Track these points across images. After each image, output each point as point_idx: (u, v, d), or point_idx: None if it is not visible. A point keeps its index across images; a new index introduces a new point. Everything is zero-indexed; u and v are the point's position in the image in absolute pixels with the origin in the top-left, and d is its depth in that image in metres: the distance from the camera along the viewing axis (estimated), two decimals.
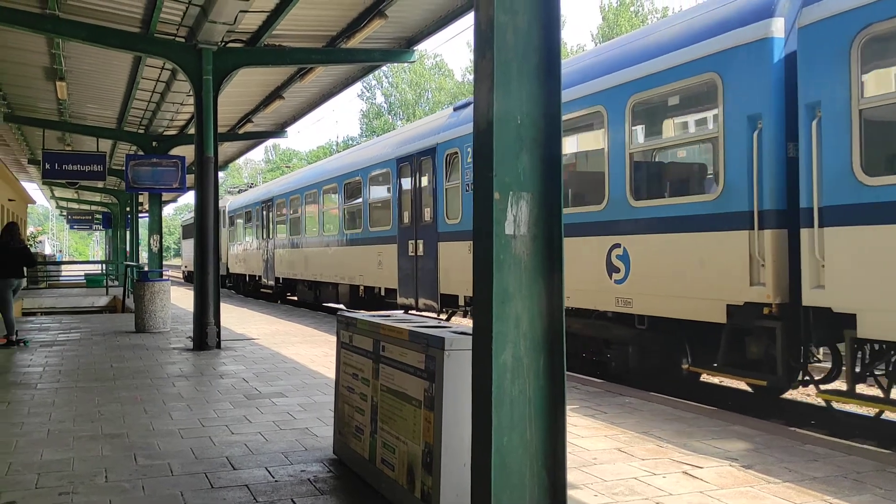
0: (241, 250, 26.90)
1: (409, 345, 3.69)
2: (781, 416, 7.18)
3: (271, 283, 22.65)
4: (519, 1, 2.91)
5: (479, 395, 2.93)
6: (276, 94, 14.92)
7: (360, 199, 15.35)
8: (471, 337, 3.35)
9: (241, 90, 14.62)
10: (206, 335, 10.40)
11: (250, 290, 25.96)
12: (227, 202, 29.19)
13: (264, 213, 23.28)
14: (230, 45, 11.00)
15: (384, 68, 62.11)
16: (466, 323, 11.09)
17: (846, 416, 7.04)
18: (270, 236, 22.59)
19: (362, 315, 4.64)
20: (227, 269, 28.44)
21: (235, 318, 15.52)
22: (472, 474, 2.97)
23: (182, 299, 20.06)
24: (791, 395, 8.24)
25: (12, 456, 4.87)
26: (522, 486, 2.88)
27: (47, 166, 17.67)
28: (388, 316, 4.61)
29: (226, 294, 22.34)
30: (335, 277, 16.65)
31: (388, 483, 3.87)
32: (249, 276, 25.71)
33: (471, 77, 52.10)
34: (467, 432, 3.25)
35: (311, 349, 10.38)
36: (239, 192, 31.70)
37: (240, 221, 27.01)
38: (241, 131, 18.51)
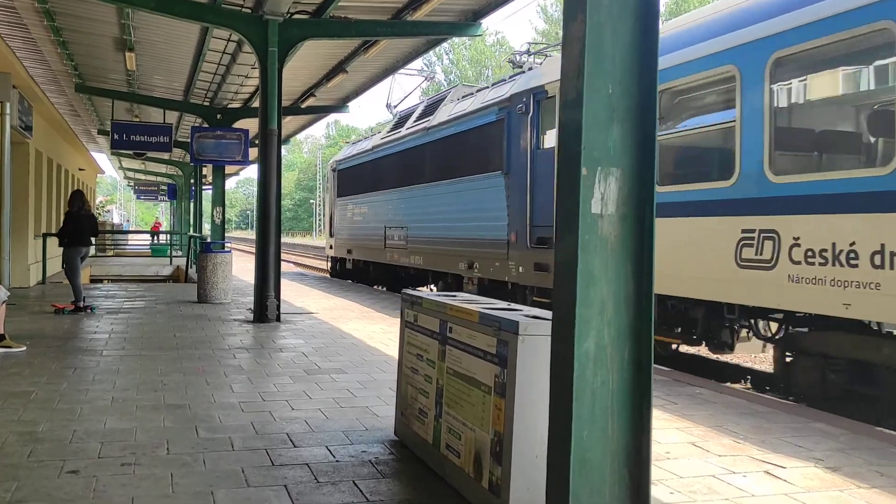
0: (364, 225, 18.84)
1: (479, 327, 3.51)
2: None
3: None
4: None
5: (558, 385, 2.73)
6: (339, 68, 14.83)
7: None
8: (545, 322, 3.16)
9: (304, 63, 14.58)
10: (266, 308, 10.44)
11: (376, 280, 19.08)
12: (339, 155, 22.51)
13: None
14: (296, 16, 10.91)
15: (445, 45, 61.62)
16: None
17: None
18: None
19: (428, 294, 4.47)
20: (338, 250, 21.43)
21: (293, 291, 15.62)
22: (548, 469, 2.78)
23: (243, 272, 20.34)
24: None
25: (77, 423, 4.89)
26: (602, 484, 2.68)
27: (116, 137, 18.03)
28: (455, 296, 4.44)
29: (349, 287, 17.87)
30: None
31: (452, 470, 3.71)
32: (374, 263, 18.43)
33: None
34: (540, 422, 3.07)
35: (369, 325, 10.32)
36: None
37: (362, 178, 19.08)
38: (303, 105, 18.53)
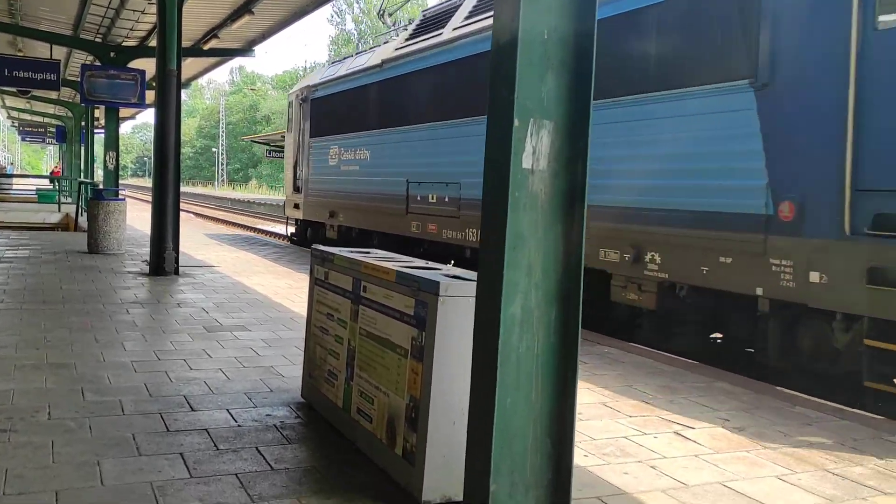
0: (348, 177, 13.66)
1: (397, 287, 3.31)
2: None
3: None
4: None
5: (482, 350, 2.58)
6: (245, 9, 14.03)
7: None
8: (468, 282, 2.99)
9: (207, 1, 13.71)
10: (163, 260, 9.88)
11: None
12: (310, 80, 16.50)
13: None
14: None
15: None
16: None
17: None
18: None
19: (339, 250, 4.22)
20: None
21: (195, 243, 14.95)
22: (468, 437, 2.63)
23: (139, 222, 19.33)
24: None
25: None
26: (524, 453, 2.56)
27: None
28: (369, 253, 4.21)
29: None
30: None
31: (364, 436, 3.53)
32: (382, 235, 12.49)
33: None
34: (459, 388, 2.92)
35: (275, 280, 9.94)
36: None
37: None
38: (205, 47, 17.53)
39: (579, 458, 3.70)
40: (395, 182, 11.67)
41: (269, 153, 48.70)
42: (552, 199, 2.57)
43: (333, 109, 14.49)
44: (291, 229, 18.31)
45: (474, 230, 9.41)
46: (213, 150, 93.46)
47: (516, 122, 2.48)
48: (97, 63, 17.37)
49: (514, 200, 2.50)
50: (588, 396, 4.90)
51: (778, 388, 5.53)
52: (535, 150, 2.52)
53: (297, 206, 16.38)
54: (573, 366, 2.62)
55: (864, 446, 4.14)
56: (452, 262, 10.48)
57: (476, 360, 2.60)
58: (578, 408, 4.52)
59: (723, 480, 3.55)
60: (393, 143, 11.97)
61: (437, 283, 2.99)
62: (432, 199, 10.56)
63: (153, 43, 15.55)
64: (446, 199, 10.17)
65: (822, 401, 5.17)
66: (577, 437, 3.98)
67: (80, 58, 20.27)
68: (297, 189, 16.34)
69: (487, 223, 2.59)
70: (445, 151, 10.30)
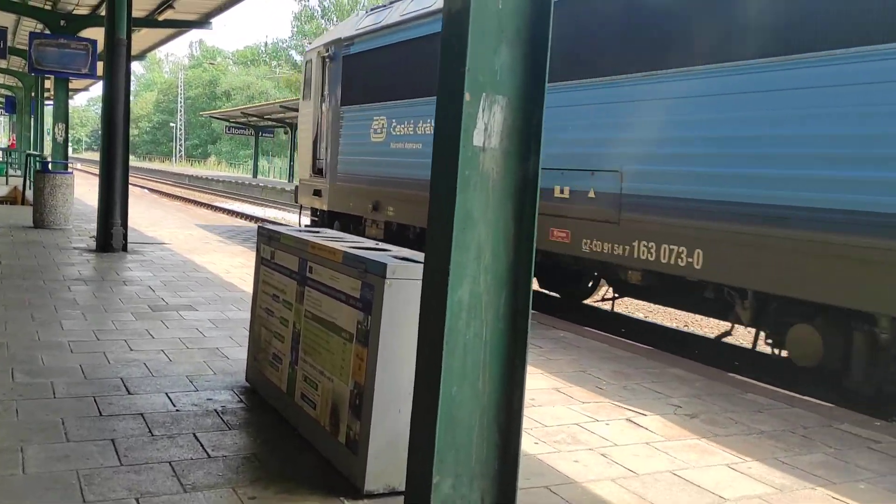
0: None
1: (343, 268, 3.16)
2: None
3: None
4: None
5: (428, 337, 2.46)
6: None
7: None
8: (417, 265, 2.86)
9: None
10: (110, 236, 9.56)
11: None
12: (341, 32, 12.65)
13: None
14: None
15: None
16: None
17: None
18: None
19: (287, 229, 4.06)
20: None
21: (147, 220, 14.55)
22: (411, 426, 2.52)
23: (87, 195, 18.77)
24: None
25: None
26: (469, 443, 2.45)
27: None
28: (318, 232, 4.05)
29: None
30: None
31: (307, 423, 3.39)
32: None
33: None
34: (405, 375, 2.80)
35: (227, 259, 9.69)
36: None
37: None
38: (160, 17, 16.98)
39: (530, 446, 3.61)
40: None
41: (229, 129, 47.85)
42: (504, 178, 2.45)
43: (379, 68, 10.96)
44: (306, 220, 14.15)
45: (648, 243, 6.25)
46: (171, 124, 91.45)
47: (467, 97, 2.35)
48: (46, 31, 16.72)
49: (464, 179, 2.37)
50: (541, 381, 4.82)
51: (730, 374, 5.53)
52: (486, 126, 2.40)
53: (317, 194, 12.54)
54: (522, 353, 2.52)
55: (814, 434, 4.13)
56: (611, 289, 8.12)
57: (421, 347, 2.48)
58: (531, 393, 4.46)
59: (673, 469, 3.50)
60: None
61: (385, 265, 2.86)
62: (562, 193, 7.28)
63: (105, 11, 14.99)
64: (591, 195, 6.90)
65: (774, 388, 5.17)
66: (529, 424, 3.90)
67: (30, 25, 19.52)
68: (318, 171, 12.68)
69: (435, 203, 2.46)
70: (589, 124, 7.02)
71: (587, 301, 9.33)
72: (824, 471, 3.58)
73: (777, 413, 4.50)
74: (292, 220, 20.75)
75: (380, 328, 2.83)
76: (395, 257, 3.07)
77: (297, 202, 14.28)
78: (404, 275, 2.85)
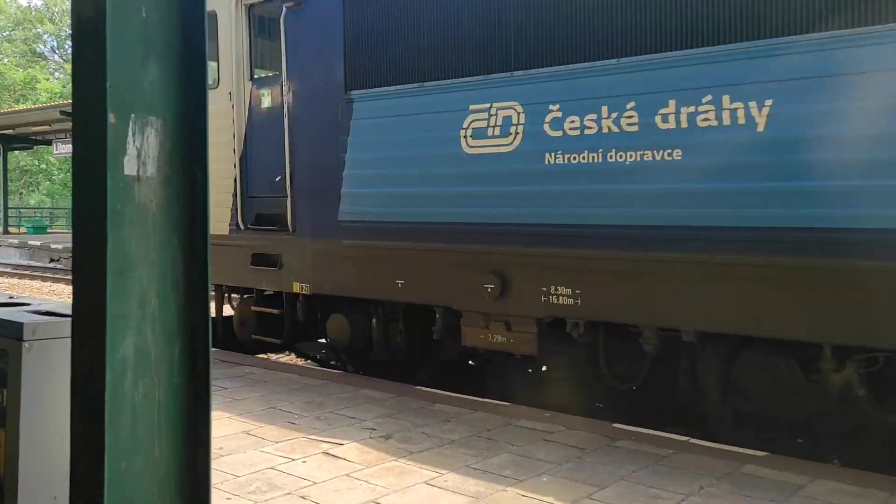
0: None
1: None
2: None
3: None
4: None
5: (85, 406, 2.03)
6: None
7: None
8: (63, 321, 2.39)
9: None
10: None
11: None
12: None
13: None
14: None
15: None
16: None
17: None
18: None
19: None
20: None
21: None
22: None
23: None
24: None
25: None
26: None
27: None
28: None
29: None
30: None
31: None
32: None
33: None
34: (58, 454, 2.31)
35: None
36: None
37: None
38: None
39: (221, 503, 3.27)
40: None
41: None
42: (166, 211, 2.12)
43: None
44: (229, 311, 7.59)
45: None
46: None
47: (112, 119, 1.99)
48: None
49: (116, 214, 2.00)
50: (229, 427, 4.46)
51: (417, 387, 5.67)
52: (139, 152, 2.06)
53: (267, 263, 6.62)
54: (205, 408, 2.21)
55: (498, 435, 4.37)
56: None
57: (76, 419, 2.05)
58: (218, 442, 4.08)
59: (375, 498, 3.41)
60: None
61: (20, 324, 2.34)
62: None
63: None
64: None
65: (458, 395, 5.40)
66: (219, 479, 3.55)
67: None
68: (263, 219, 6.73)
69: (82, 244, 2.06)
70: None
71: None
72: (511, 470, 3.78)
73: (464, 420, 4.69)
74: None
75: (19, 403, 2.30)
76: (36, 311, 2.54)
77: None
78: (48, 334, 2.36)
